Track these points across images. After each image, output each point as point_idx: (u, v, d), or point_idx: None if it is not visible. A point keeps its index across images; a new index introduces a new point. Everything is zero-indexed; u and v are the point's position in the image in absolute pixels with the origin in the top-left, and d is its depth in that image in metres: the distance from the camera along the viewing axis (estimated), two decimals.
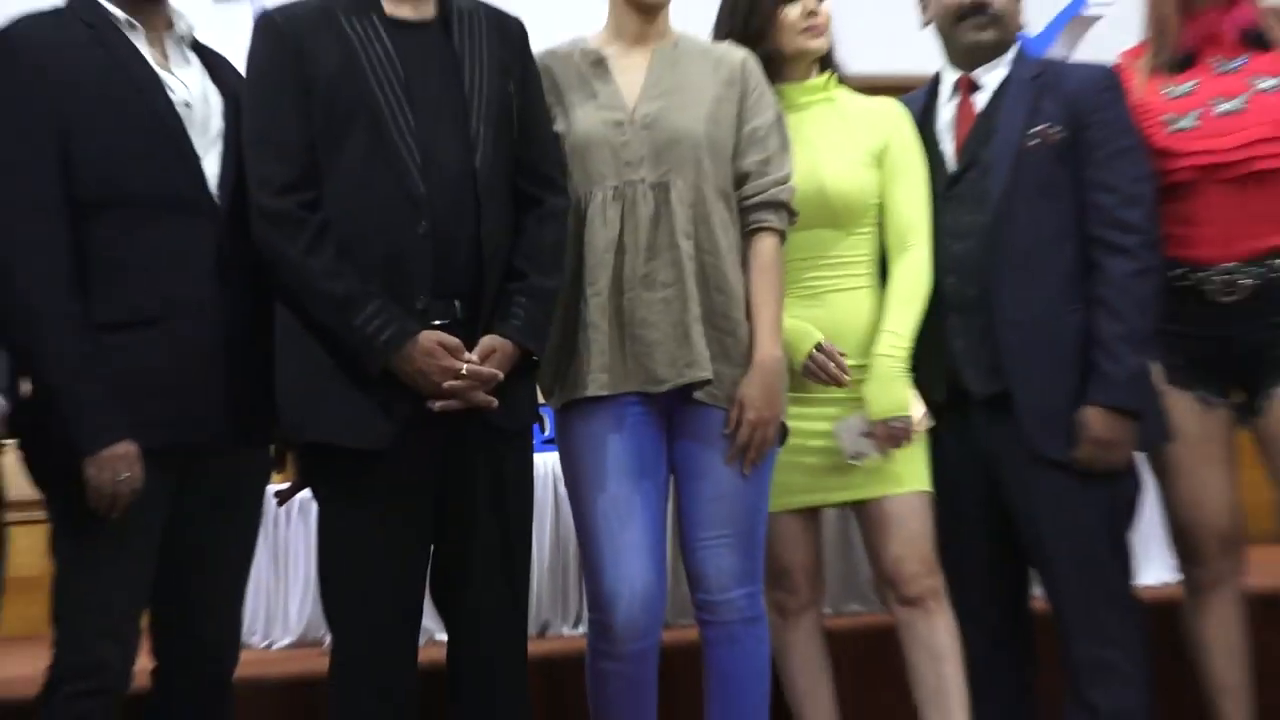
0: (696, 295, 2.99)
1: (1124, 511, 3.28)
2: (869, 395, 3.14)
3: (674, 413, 3.05)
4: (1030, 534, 3.23)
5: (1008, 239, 3.19)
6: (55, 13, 2.89)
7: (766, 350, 3.02)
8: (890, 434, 3.13)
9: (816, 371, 3.14)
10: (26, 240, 2.74)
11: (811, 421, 3.23)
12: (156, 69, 2.89)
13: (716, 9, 3.35)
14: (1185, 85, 3.29)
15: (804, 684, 3.31)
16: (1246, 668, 3.34)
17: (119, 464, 2.71)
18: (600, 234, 3.00)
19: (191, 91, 2.93)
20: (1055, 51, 4.85)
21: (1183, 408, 3.27)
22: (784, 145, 3.12)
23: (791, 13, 3.23)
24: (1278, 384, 3.24)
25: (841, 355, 3.15)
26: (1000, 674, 3.31)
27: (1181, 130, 3.24)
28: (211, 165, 2.89)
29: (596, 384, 2.98)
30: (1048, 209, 3.21)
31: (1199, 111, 3.24)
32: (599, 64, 3.11)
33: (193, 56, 2.99)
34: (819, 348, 3.13)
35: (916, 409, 3.16)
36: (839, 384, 3.14)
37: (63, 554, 2.83)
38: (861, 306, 3.23)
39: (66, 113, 2.78)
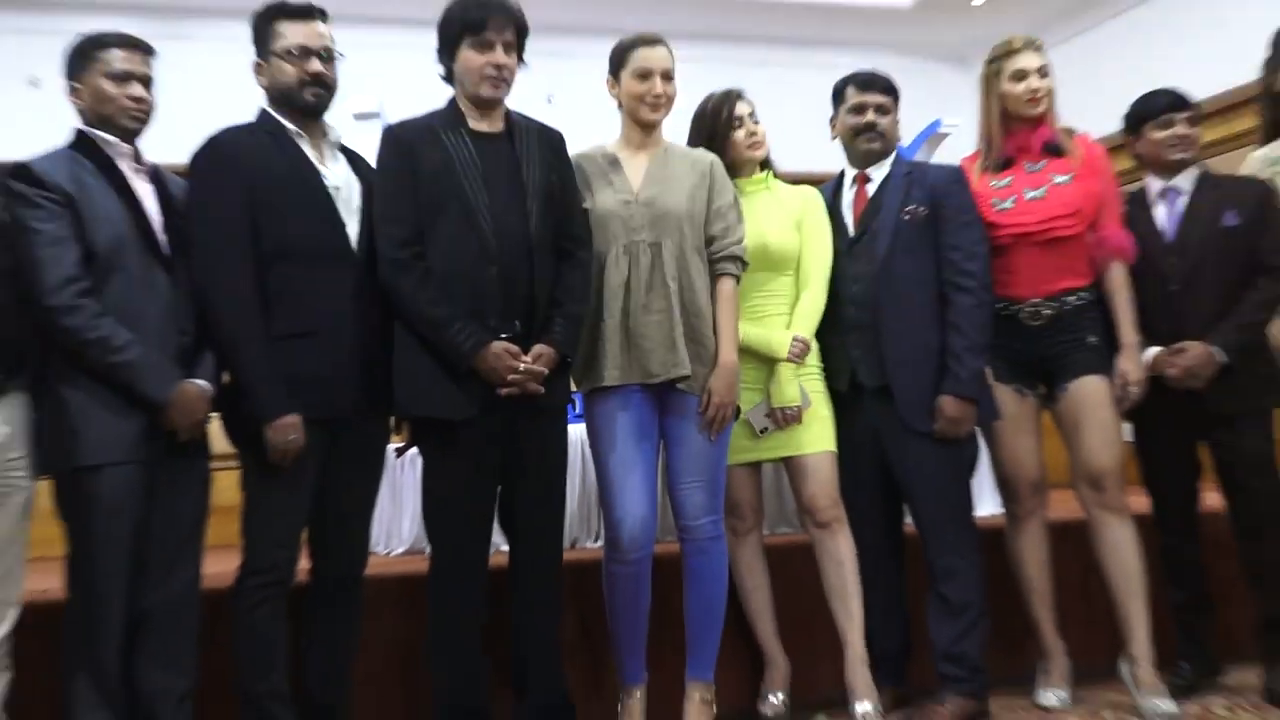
0: (679, 319, 3.06)
1: (966, 465, 3.39)
2: (771, 390, 3.23)
3: (664, 398, 3.12)
4: (904, 480, 3.32)
5: (889, 282, 3.28)
6: (248, 125, 2.98)
7: (727, 356, 3.11)
8: (784, 417, 3.22)
9: (800, 353, 3.21)
10: (226, 280, 2.82)
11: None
12: (316, 164, 2.97)
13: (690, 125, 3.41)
14: (1006, 180, 3.39)
15: (750, 582, 3.40)
16: (1049, 574, 3.44)
17: (288, 429, 2.78)
18: (614, 276, 3.08)
19: (339, 179, 3.00)
20: (919, 156, 4.86)
21: (1005, 396, 3.38)
22: (739, 218, 3.21)
23: (739, 135, 3.34)
24: (1068, 381, 3.33)
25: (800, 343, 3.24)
26: (883, 574, 3.37)
27: (1004, 210, 3.35)
28: (353, 229, 2.95)
29: (611, 377, 3.06)
30: (916, 262, 3.29)
31: (1015, 197, 3.35)
32: (614, 162, 3.19)
33: (340, 155, 3.06)
34: (796, 339, 3.20)
35: (804, 398, 3.23)
36: (799, 358, 3.21)
37: (248, 490, 2.90)
38: (783, 323, 3.28)
39: (254, 193, 2.85)
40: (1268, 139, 3.57)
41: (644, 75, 3.14)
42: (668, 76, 3.16)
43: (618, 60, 3.18)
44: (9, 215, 2.67)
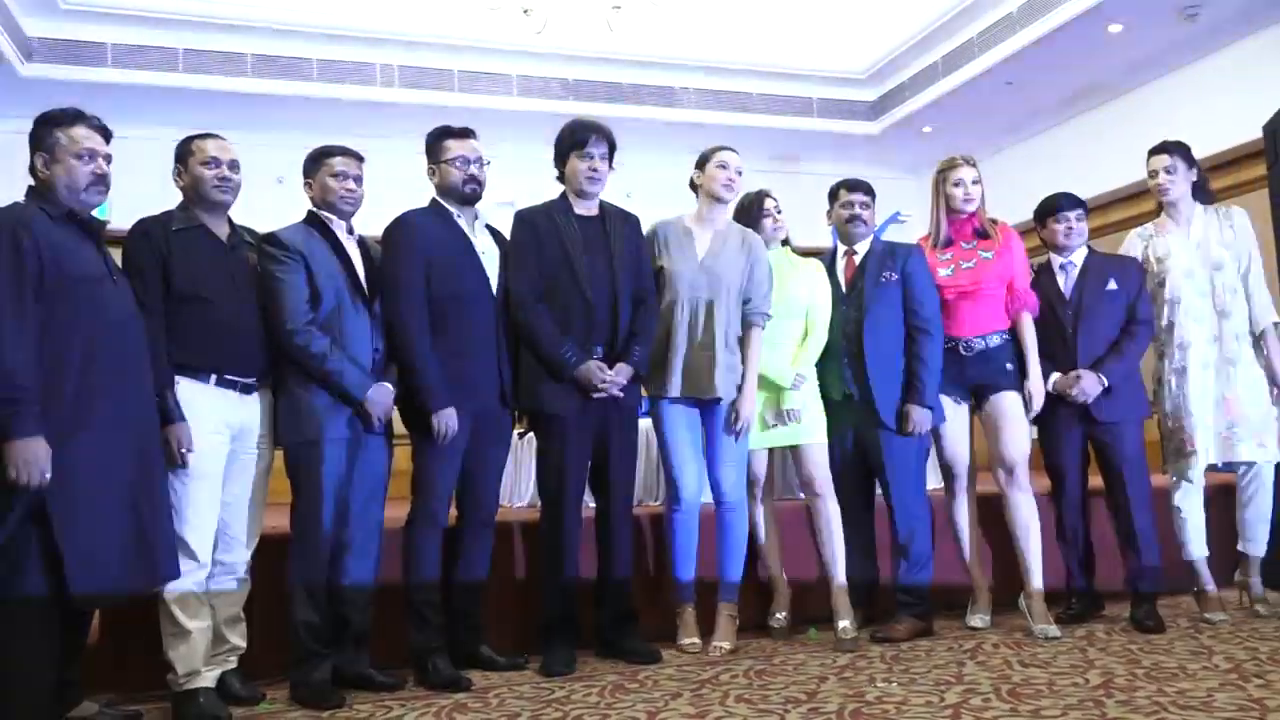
0: (723, 355, 3.05)
1: (923, 454, 3.30)
2: (782, 399, 3.16)
3: (707, 408, 3.09)
4: (878, 463, 3.23)
5: (872, 325, 3.20)
6: (423, 209, 2.98)
7: (750, 385, 3.10)
8: (788, 416, 3.15)
9: (798, 385, 3.15)
10: (407, 315, 2.81)
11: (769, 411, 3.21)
12: (469, 235, 2.96)
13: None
14: (948, 255, 3.33)
15: (764, 533, 3.32)
16: (977, 532, 3.36)
17: (447, 418, 2.78)
18: (681, 320, 3.06)
19: (484, 246, 2.98)
20: (886, 237, 4.78)
21: (947, 405, 3.28)
22: (770, 285, 3.15)
23: (766, 223, 3.30)
24: (990, 395, 3.26)
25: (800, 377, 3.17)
26: (859, 529, 3.27)
27: (946, 275, 3.28)
28: (493, 280, 2.94)
29: (674, 392, 3.05)
30: (890, 311, 3.20)
31: (954, 267, 3.29)
32: (687, 233, 3.17)
33: (485, 230, 3.04)
34: (797, 375, 3.15)
35: (801, 405, 3.16)
36: (798, 388, 3.15)
37: (418, 460, 2.89)
38: (793, 352, 3.19)
39: (428, 255, 2.86)
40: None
41: (724, 165, 3.14)
42: (739, 171, 3.16)
43: (704, 158, 3.20)
44: (262, 268, 2.71)
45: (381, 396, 2.73)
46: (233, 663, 2.67)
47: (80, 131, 2.36)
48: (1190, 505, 3.29)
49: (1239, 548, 3.35)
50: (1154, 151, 3.37)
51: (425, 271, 2.82)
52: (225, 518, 2.62)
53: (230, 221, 2.74)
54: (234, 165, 2.70)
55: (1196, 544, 3.28)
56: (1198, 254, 3.28)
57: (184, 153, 2.68)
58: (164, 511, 2.40)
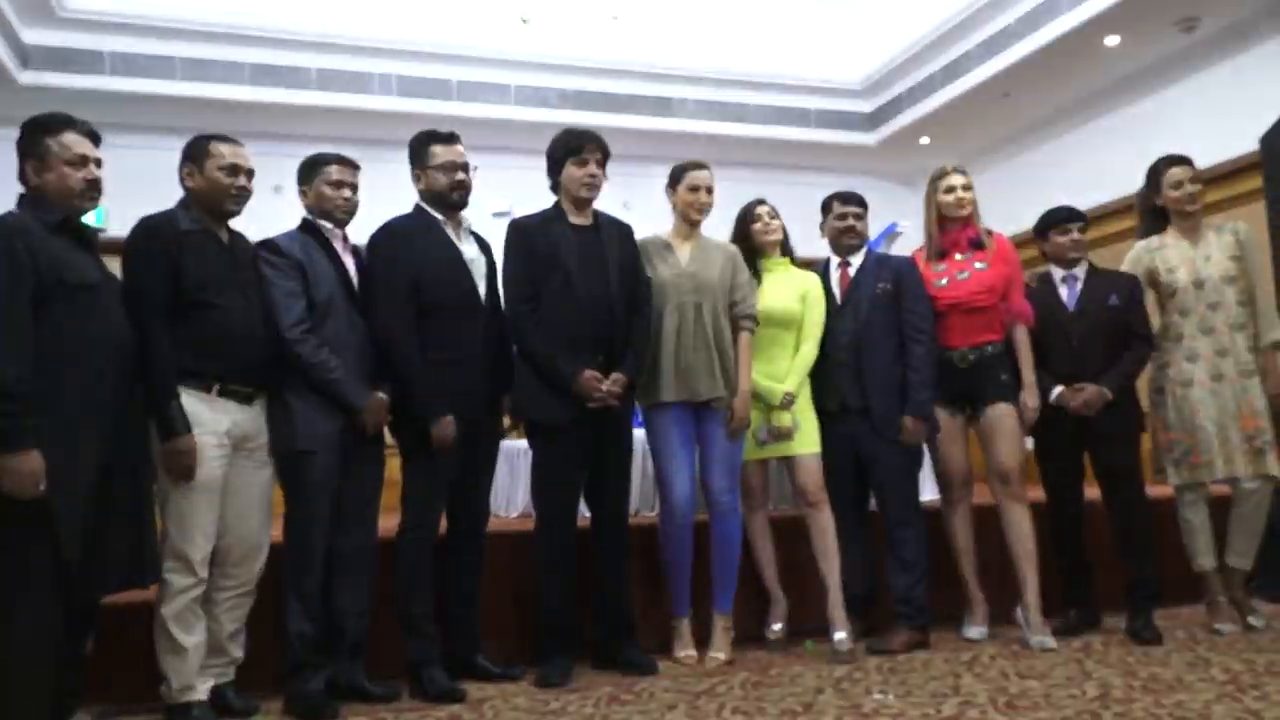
0: (715, 357, 3.04)
1: (918, 464, 3.30)
2: (771, 417, 3.16)
3: (701, 412, 3.08)
4: (873, 473, 3.25)
5: (868, 335, 3.22)
6: (409, 216, 2.96)
7: (744, 385, 3.09)
8: (778, 434, 3.15)
9: (788, 404, 3.14)
10: (398, 325, 2.79)
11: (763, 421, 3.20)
12: (456, 242, 2.94)
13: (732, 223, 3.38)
14: (942, 266, 3.32)
15: (759, 544, 3.32)
16: (973, 543, 3.35)
17: (446, 427, 2.77)
18: (669, 326, 3.06)
19: (471, 254, 2.97)
20: (880, 249, 4.77)
21: (943, 415, 3.29)
22: (753, 290, 3.18)
23: (757, 226, 3.29)
24: (985, 406, 3.26)
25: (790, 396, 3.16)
26: (854, 540, 3.27)
27: (941, 286, 3.28)
28: (481, 289, 2.93)
29: (667, 396, 3.04)
30: (885, 322, 3.22)
31: (949, 278, 3.29)
32: (668, 246, 3.19)
33: (472, 238, 3.01)
34: (786, 394, 3.14)
35: (793, 421, 3.16)
36: (788, 407, 3.14)
37: (409, 470, 2.87)
38: (787, 367, 3.20)
39: (414, 264, 2.83)
40: (1146, 235, 3.45)
41: (694, 188, 3.14)
42: (709, 190, 3.16)
43: (676, 177, 3.19)
44: (259, 275, 2.69)
45: (377, 407, 2.73)
46: (230, 675, 2.65)
47: (71, 137, 2.36)
48: (1198, 516, 3.28)
49: (1227, 560, 3.31)
50: (1176, 162, 3.34)
51: (414, 279, 2.80)
52: (235, 531, 2.59)
53: (228, 226, 2.72)
54: (251, 174, 2.67)
55: (1205, 555, 3.28)
56: (1208, 266, 3.28)
57: (199, 153, 2.61)
58: (151, 513, 2.44)
